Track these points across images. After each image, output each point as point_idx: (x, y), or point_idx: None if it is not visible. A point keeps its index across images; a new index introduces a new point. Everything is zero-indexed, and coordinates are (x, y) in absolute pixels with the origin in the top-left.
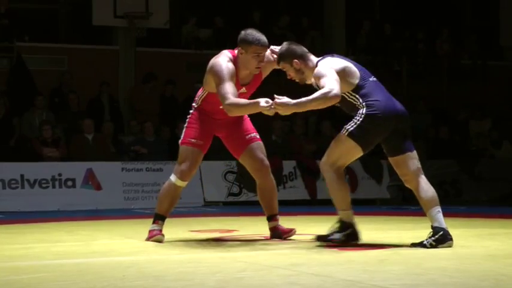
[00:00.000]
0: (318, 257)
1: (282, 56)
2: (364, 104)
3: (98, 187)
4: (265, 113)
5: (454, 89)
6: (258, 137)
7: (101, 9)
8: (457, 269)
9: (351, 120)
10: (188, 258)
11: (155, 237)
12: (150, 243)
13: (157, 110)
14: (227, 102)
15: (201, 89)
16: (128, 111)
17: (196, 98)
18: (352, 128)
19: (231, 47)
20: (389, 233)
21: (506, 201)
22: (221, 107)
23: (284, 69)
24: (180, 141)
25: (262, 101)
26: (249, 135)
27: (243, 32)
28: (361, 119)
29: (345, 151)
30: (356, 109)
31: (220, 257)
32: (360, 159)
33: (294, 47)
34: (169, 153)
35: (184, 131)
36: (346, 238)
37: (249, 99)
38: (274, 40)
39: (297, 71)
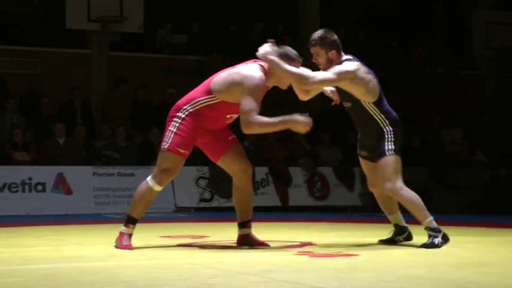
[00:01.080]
0: (289, 264)
1: (322, 41)
2: (387, 121)
3: (69, 191)
4: (297, 129)
5: (427, 98)
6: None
7: (75, 12)
8: (428, 276)
9: (382, 140)
10: (158, 264)
11: (126, 250)
12: (120, 249)
13: (128, 114)
14: (250, 119)
15: (202, 93)
16: (100, 116)
17: (193, 102)
18: (393, 146)
19: (205, 53)
20: (361, 240)
21: (476, 209)
22: (229, 117)
23: (314, 52)
24: (165, 146)
25: (298, 116)
26: (231, 137)
27: (282, 49)
28: (392, 136)
29: (397, 166)
30: (379, 126)
31: (191, 263)
32: (332, 166)
33: (336, 37)
34: (141, 158)
35: (172, 136)
36: (445, 239)
37: None
38: (250, 46)
39: (328, 60)
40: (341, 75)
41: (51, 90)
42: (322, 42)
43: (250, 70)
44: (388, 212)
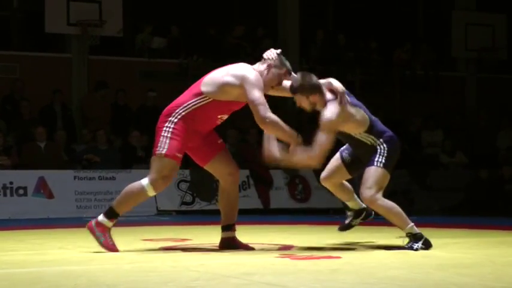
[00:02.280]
0: (270, 266)
1: (302, 89)
2: (381, 140)
3: (50, 195)
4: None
5: (407, 99)
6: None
7: (54, 16)
8: (409, 278)
9: (375, 152)
10: (140, 267)
11: (112, 252)
12: (103, 252)
13: (108, 118)
14: (268, 114)
15: (192, 96)
16: (80, 120)
17: (185, 105)
18: (383, 160)
19: (184, 56)
20: (342, 242)
21: (457, 210)
22: (219, 117)
23: (296, 99)
24: (163, 152)
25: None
26: (219, 141)
27: (275, 53)
28: (385, 151)
29: (382, 180)
30: (372, 146)
31: (173, 266)
32: (313, 169)
33: (313, 81)
34: (122, 161)
35: (167, 142)
36: (426, 245)
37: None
38: (229, 49)
39: (310, 103)
40: (331, 128)
41: (31, 94)
42: (303, 90)
43: (243, 70)
44: (346, 199)
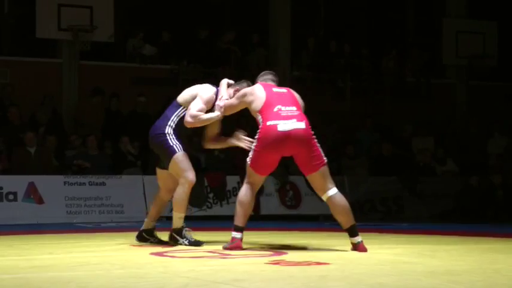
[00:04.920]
0: (260, 273)
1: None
2: None
3: (40, 201)
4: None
5: (398, 106)
6: None
7: (45, 21)
8: (399, 285)
9: None
10: (130, 273)
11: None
12: (92, 258)
13: (100, 123)
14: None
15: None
16: (70, 125)
17: None
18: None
19: (175, 62)
20: (332, 248)
21: (447, 217)
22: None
23: None
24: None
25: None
26: None
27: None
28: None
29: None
30: None
31: (163, 271)
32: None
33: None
34: (112, 167)
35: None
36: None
37: None
38: (220, 55)
39: None
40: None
41: (21, 100)
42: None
43: None
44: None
